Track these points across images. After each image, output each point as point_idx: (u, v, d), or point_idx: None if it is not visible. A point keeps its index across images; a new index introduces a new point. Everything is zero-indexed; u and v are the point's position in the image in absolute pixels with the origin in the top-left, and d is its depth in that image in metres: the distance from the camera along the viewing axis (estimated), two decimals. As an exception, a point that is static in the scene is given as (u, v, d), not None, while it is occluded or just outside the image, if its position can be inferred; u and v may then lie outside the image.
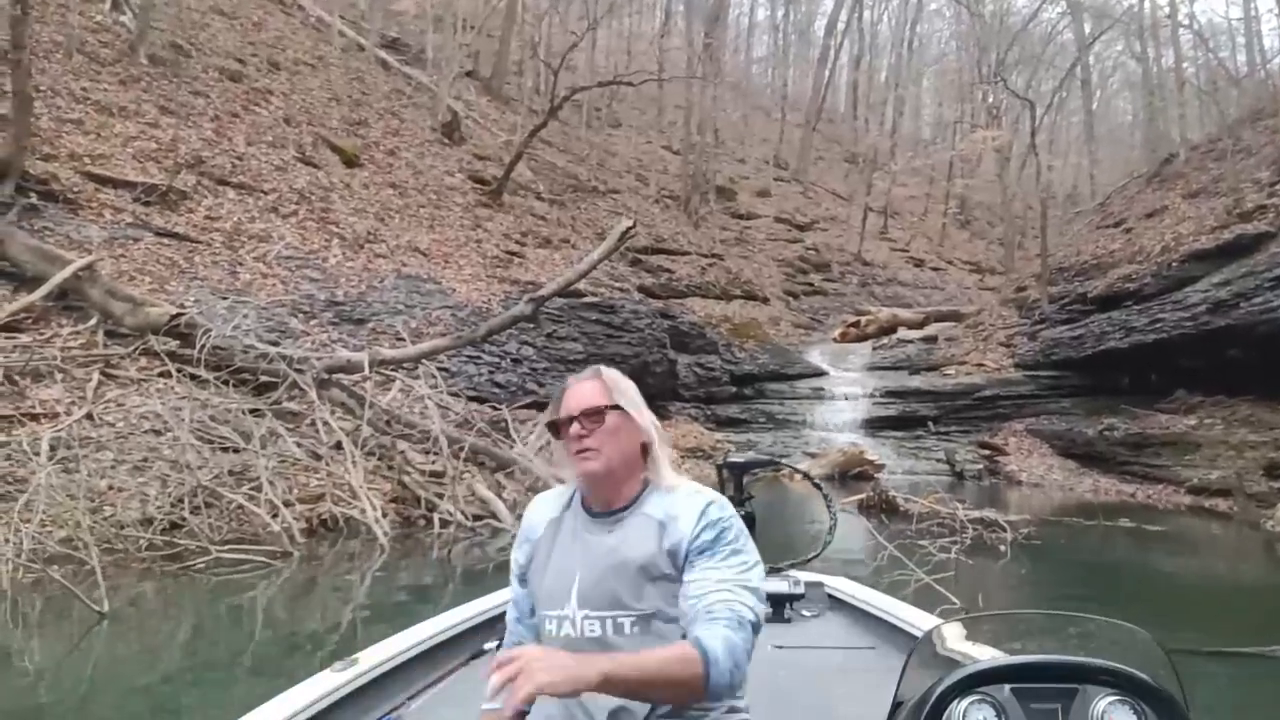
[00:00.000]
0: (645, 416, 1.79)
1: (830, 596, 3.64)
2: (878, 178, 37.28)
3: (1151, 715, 1.45)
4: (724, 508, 1.71)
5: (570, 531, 1.80)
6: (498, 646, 3.03)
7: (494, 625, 3.21)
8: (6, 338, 8.96)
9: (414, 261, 16.91)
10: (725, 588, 1.58)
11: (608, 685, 1.39)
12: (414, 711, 2.53)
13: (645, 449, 1.79)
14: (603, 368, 1.86)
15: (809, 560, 3.78)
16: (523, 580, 1.87)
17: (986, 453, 18.50)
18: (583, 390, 1.79)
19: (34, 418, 8.11)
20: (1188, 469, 15.65)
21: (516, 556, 1.89)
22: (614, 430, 1.74)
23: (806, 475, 3.40)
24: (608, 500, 1.78)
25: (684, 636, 1.57)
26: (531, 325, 15.55)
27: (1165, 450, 16.40)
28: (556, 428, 1.78)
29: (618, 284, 20.95)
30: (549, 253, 20.89)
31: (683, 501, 1.72)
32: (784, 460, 4.02)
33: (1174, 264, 17.64)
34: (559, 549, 1.79)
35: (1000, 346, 21.89)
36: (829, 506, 3.17)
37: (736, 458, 3.34)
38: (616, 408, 1.75)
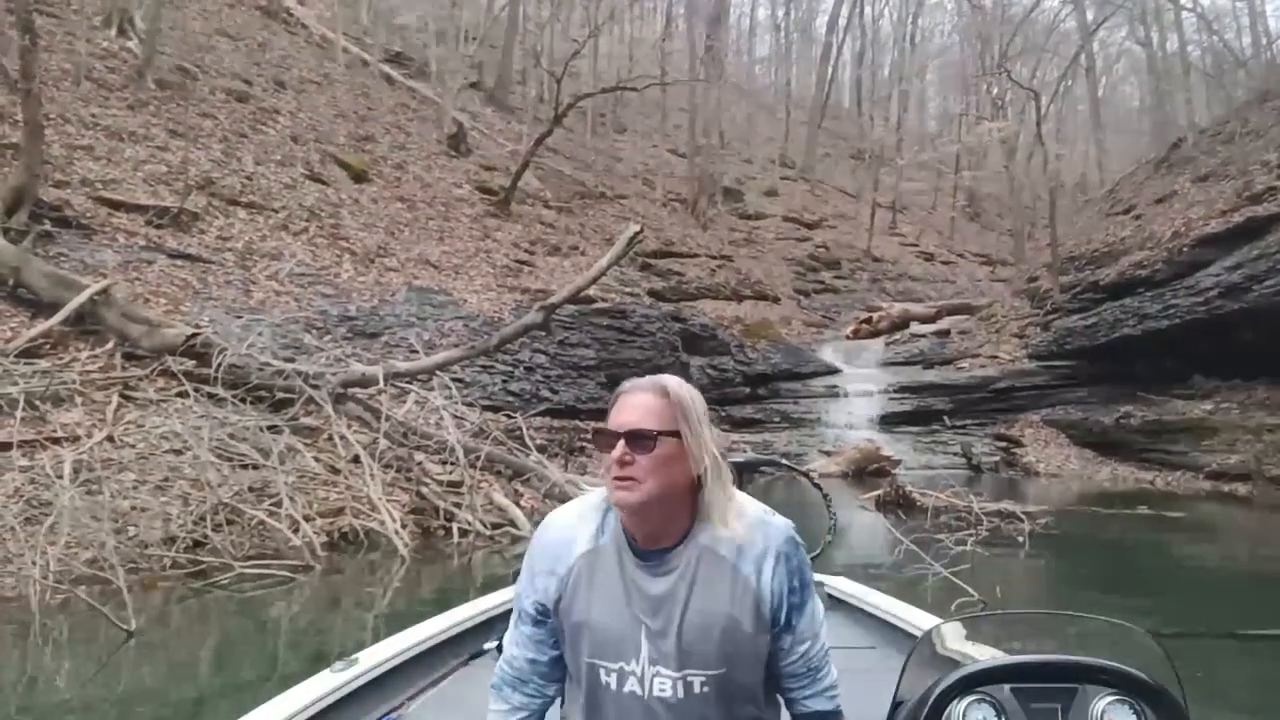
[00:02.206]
0: (705, 444, 1.49)
1: (830, 596, 3.64)
2: (885, 173, 37.20)
3: (1150, 714, 1.47)
4: (796, 545, 1.57)
5: (619, 571, 1.54)
6: (497, 647, 3.07)
7: (494, 625, 3.22)
8: (26, 363, 9.08)
9: (425, 274, 17.03)
10: (814, 636, 1.61)
11: None
12: (413, 711, 2.56)
13: (698, 481, 1.50)
14: (670, 380, 1.53)
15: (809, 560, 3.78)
16: (542, 618, 1.61)
17: (1003, 445, 18.43)
18: (636, 405, 1.50)
19: (56, 441, 8.22)
20: (1206, 454, 15.58)
21: (534, 591, 1.60)
22: (665, 460, 1.47)
23: (806, 475, 3.42)
24: (654, 535, 1.53)
25: (766, 683, 1.62)
26: (543, 333, 15.60)
27: (1183, 436, 16.34)
28: (603, 438, 1.51)
29: (628, 289, 21.02)
30: (559, 260, 20.98)
31: (757, 541, 1.53)
32: (786, 461, 4.03)
33: (1185, 249, 17.54)
34: (609, 591, 1.54)
35: (1013, 338, 21.80)
36: (828, 507, 3.19)
37: (738, 457, 3.37)
38: (673, 434, 1.47)
